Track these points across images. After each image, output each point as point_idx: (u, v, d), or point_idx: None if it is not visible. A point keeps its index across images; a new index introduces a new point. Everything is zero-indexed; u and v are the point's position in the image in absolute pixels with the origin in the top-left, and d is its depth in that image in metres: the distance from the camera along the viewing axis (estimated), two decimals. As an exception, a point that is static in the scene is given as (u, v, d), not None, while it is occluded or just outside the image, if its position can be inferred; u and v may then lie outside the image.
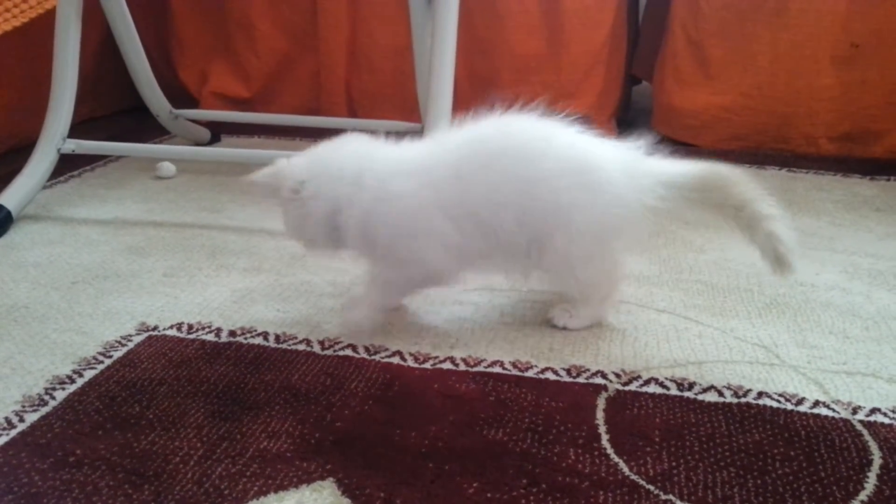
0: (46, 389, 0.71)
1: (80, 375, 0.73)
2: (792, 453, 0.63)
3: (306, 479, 0.59)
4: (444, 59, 1.17)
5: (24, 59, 1.49)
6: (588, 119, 1.74)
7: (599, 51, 1.74)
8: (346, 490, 0.58)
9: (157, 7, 1.86)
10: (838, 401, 0.71)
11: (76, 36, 1.20)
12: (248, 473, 0.60)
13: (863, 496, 0.58)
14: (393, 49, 1.75)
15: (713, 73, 1.66)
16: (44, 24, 1.40)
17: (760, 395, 0.72)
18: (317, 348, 0.79)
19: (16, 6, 1.46)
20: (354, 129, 1.69)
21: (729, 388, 0.73)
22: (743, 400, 0.71)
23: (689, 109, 1.68)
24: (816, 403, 0.70)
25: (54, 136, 1.18)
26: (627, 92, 1.92)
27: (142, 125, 1.72)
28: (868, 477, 0.60)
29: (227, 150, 1.37)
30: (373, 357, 0.78)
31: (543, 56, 1.73)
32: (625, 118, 1.89)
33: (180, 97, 1.76)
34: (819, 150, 1.62)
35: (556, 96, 1.76)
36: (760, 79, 1.63)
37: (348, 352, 0.79)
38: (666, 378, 0.74)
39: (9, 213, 1.10)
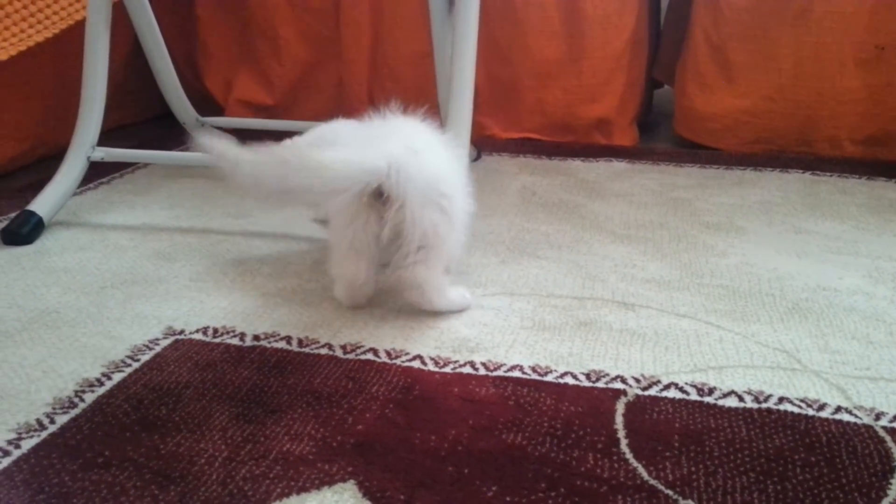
0: (76, 392, 0.73)
1: (109, 378, 0.75)
2: (813, 459, 0.63)
3: (328, 481, 0.60)
4: (464, 65, 1.18)
5: (53, 69, 1.53)
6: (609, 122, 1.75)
7: (620, 55, 1.74)
8: (366, 492, 0.59)
9: (184, 17, 1.90)
10: (861, 406, 0.70)
11: (105, 46, 1.23)
12: (271, 475, 0.61)
13: (885, 503, 0.58)
14: (415, 57, 1.77)
15: (735, 76, 1.65)
16: (72, 35, 1.44)
17: (781, 400, 0.72)
18: (339, 352, 0.80)
19: (47, 17, 1.50)
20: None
21: (749, 393, 0.73)
22: (763, 405, 0.71)
23: (712, 113, 1.67)
24: (838, 409, 0.70)
25: (84, 145, 1.21)
26: (649, 96, 1.91)
27: (168, 133, 1.76)
28: (891, 483, 0.60)
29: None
30: (393, 361, 0.79)
31: (564, 61, 1.73)
32: (646, 122, 1.89)
33: (206, 105, 1.79)
34: (843, 153, 1.61)
35: (577, 101, 1.77)
36: (783, 81, 1.62)
37: (369, 356, 0.80)
38: (686, 383, 0.74)
39: (40, 219, 1.13)
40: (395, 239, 0.82)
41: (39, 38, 1.45)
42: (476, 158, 1.58)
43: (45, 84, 1.53)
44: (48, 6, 1.50)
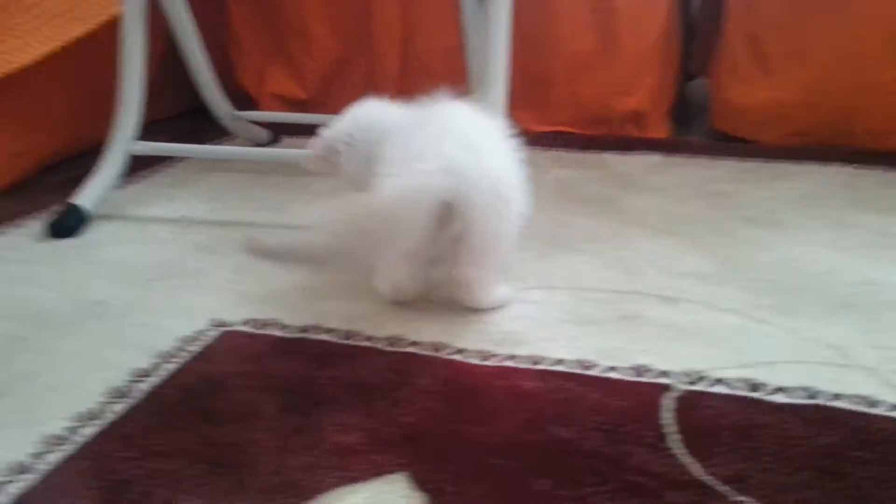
0: (129, 382, 0.74)
1: (160, 369, 0.76)
2: (869, 457, 0.62)
3: (379, 472, 0.61)
4: (497, 58, 1.18)
5: (87, 64, 1.54)
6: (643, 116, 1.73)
7: (653, 47, 1.72)
8: (418, 484, 0.59)
9: (216, 11, 1.91)
10: (915, 404, 0.69)
11: (142, 39, 1.24)
12: (322, 465, 0.61)
13: (945, 502, 0.57)
14: (447, 50, 1.76)
15: (772, 67, 1.63)
16: (105, 29, 1.46)
17: (833, 396, 0.71)
18: (382, 345, 0.81)
19: (84, 11, 1.52)
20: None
21: (800, 389, 0.72)
22: (815, 402, 0.70)
23: (748, 105, 1.65)
24: (894, 406, 0.69)
25: (124, 138, 1.22)
26: (682, 88, 1.89)
27: (200, 127, 1.77)
28: (950, 482, 0.59)
29: (288, 151, 1.40)
30: (437, 354, 0.79)
31: (597, 54, 1.72)
32: (680, 115, 1.87)
33: (239, 99, 1.80)
34: (884, 146, 1.57)
35: (611, 94, 1.76)
36: (821, 73, 1.59)
37: (413, 349, 0.80)
38: (734, 378, 0.74)
39: (85, 212, 1.15)
40: (452, 242, 0.81)
41: (77, 33, 1.47)
42: (272, 142, 1.60)
43: (80, 79, 1.55)
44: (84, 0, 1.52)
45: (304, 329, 0.84)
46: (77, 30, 1.47)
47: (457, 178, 0.77)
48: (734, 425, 0.66)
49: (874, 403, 0.69)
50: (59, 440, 0.65)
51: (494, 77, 1.16)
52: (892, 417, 0.67)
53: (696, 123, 1.88)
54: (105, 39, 1.44)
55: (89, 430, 0.67)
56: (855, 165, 1.47)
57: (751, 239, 1.10)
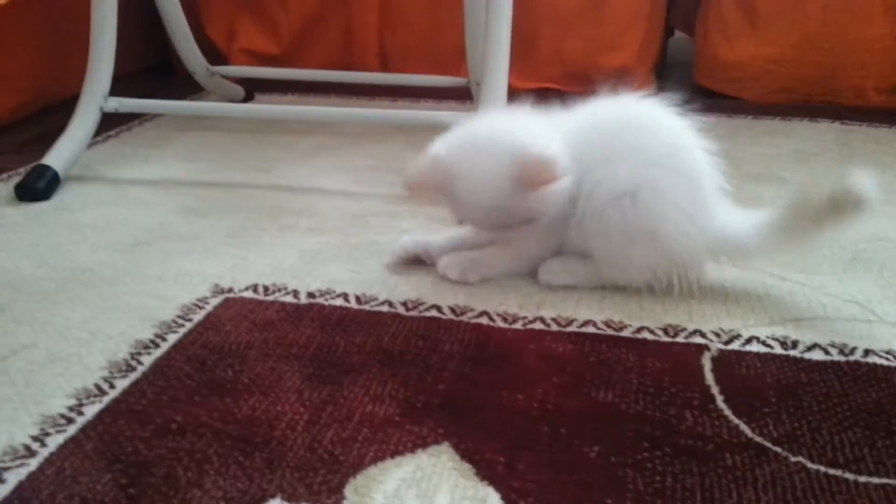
0: (132, 354, 0.69)
1: (164, 339, 0.71)
2: (916, 412, 0.61)
3: (421, 443, 0.57)
4: (500, 12, 1.12)
5: (47, 19, 1.43)
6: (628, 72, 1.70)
7: (641, 2, 1.68)
8: (464, 455, 0.56)
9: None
10: (948, 358, 0.69)
11: (114, -9, 1.15)
12: (359, 438, 0.58)
13: None
14: (428, 2, 1.69)
15: (760, 23, 1.61)
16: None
17: (867, 352, 0.70)
18: (400, 309, 0.77)
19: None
20: (390, 85, 1.64)
21: (834, 345, 0.71)
22: (851, 358, 0.69)
23: (735, 61, 1.63)
24: (927, 361, 0.68)
25: (96, 95, 1.13)
26: (664, 44, 1.86)
27: (165, 83, 1.68)
28: None
29: (278, 108, 1.32)
30: (460, 318, 0.75)
31: (584, 9, 1.68)
32: (660, 71, 1.84)
33: (208, 55, 1.70)
34: (868, 103, 1.58)
35: (598, 49, 1.72)
36: (809, 29, 1.58)
37: (433, 313, 0.76)
38: (767, 336, 0.72)
39: (56, 173, 1.06)
40: None
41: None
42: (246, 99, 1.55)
43: (45, 32, 1.44)
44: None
45: (315, 294, 0.79)
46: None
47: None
48: (777, 384, 0.65)
49: (909, 358, 0.69)
50: (62, 420, 0.60)
51: (497, 32, 1.10)
52: (930, 372, 0.67)
53: (676, 80, 1.86)
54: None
55: (95, 408, 0.61)
56: (842, 122, 1.47)
57: (756, 195, 1.08)
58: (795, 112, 1.52)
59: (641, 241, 0.76)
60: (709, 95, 1.67)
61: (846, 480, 0.54)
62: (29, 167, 1.08)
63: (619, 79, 1.74)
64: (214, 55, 1.77)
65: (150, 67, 1.84)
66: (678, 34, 1.96)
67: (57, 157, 1.08)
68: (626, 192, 0.76)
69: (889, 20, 1.54)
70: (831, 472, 0.55)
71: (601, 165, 0.77)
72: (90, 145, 1.25)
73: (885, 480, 0.54)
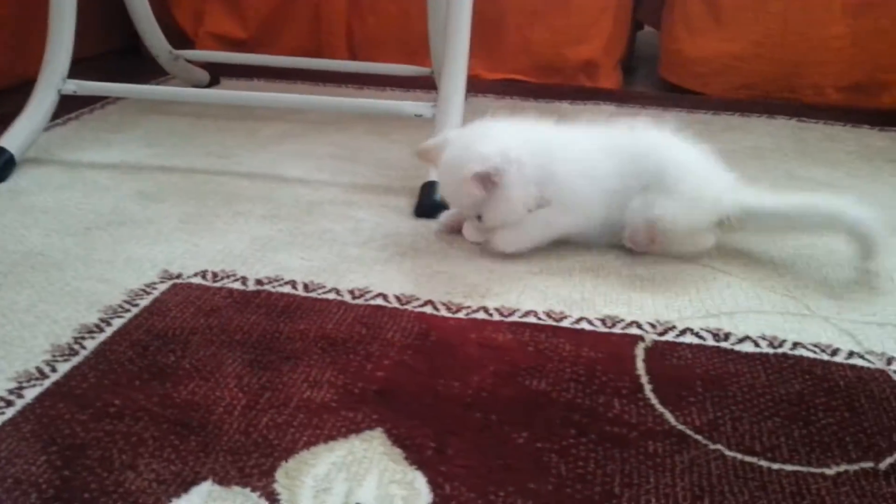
0: (75, 339, 0.69)
1: (108, 324, 0.72)
2: (834, 404, 0.64)
3: (354, 429, 0.59)
4: (460, 2, 1.13)
5: (9, -3, 1.42)
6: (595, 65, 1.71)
7: (608, -5, 1.70)
8: (395, 440, 0.58)
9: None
10: (872, 351, 0.72)
11: (72, -28, 1.14)
12: (294, 423, 0.59)
13: (905, 445, 0.59)
14: (397, -12, 1.70)
15: (724, 19, 1.63)
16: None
17: (796, 345, 0.72)
18: (347, 297, 0.78)
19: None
20: (356, 72, 1.64)
21: (764, 338, 0.73)
22: (779, 350, 0.71)
23: (699, 57, 1.66)
24: (851, 354, 0.71)
25: (54, 76, 1.13)
26: (632, 38, 1.88)
27: (131, 66, 1.66)
28: (908, 426, 0.61)
29: (240, 94, 1.31)
30: (405, 307, 0.77)
31: (551, 0, 1.69)
32: (628, 65, 1.86)
33: (174, 38, 1.69)
34: (826, 100, 1.61)
35: (564, 41, 1.73)
36: (772, 26, 1.60)
37: (379, 301, 0.77)
38: (701, 328, 0.75)
39: (11, 156, 1.06)
40: None
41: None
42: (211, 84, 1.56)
43: (6, 12, 1.42)
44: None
45: (263, 281, 0.80)
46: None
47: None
48: (705, 374, 0.67)
49: (834, 352, 0.71)
50: (1, 402, 0.60)
51: (457, 21, 1.11)
52: (852, 365, 0.69)
53: (642, 74, 1.88)
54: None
55: (35, 391, 0.62)
56: (799, 119, 1.50)
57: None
58: (754, 108, 1.55)
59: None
60: (673, 90, 1.69)
61: (760, 467, 0.56)
62: (-16, 149, 1.07)
63: (586, 71, 1.77)
64: (181, 38, 1.76)
65: (118, 50, 1.82)
66: (647, 28, 1.98)
67: (13, 140, 1.07)
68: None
69: (847, 20, 1.57)
70: (747, 459, 0.57)
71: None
72: (49, 128, 1.24)
73: (797, 468, 0.57)
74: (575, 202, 0.88)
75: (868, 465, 0.57)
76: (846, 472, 0.56)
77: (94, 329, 0.71)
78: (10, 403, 0.60)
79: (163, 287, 0.78)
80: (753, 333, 0.74)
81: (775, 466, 0.57)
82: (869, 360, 0.70)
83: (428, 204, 0.98)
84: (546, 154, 0.88)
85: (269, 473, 0.54)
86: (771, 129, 1.43)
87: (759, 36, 1.61)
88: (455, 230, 0.94)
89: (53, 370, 0.65)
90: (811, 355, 0.71)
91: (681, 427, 0.60)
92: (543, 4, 1.68)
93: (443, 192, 0.93)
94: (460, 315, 0.76)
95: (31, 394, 0.62)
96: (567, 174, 0.87)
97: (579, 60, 1.71)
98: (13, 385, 0.63)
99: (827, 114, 1.53)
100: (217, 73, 1.61)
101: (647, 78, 1.84)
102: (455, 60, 1.11)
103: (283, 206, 1.00)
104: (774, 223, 0.91)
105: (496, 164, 0.83)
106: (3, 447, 0.56)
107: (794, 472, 0.56)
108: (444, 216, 0.95)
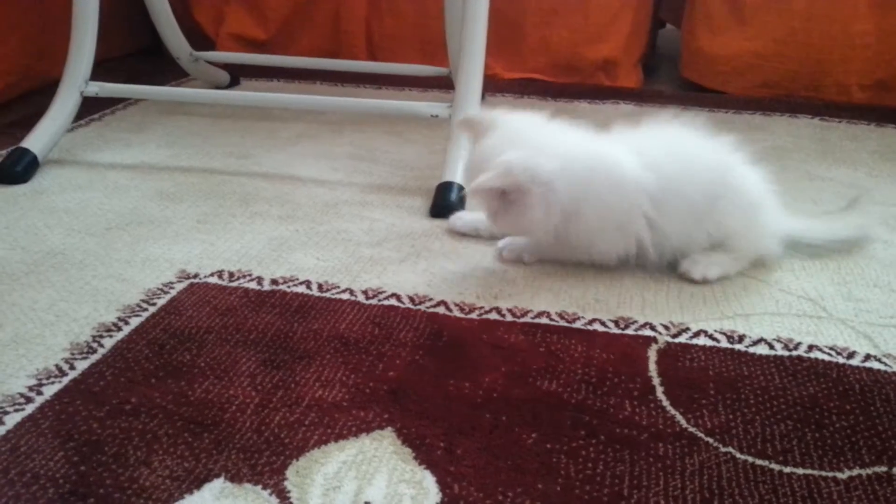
0: (94, 337, 0.71)
1: (126, 323, 0.73)
2: (848, 407, 0.63)
3: (365, 428, 0.59)
4: (477, 2, 1.13)
5: (34, 1, 1.44)
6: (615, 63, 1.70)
7: (627, -7, 1.69)
8: (405, 440, 0.58)
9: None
10: (889, 354, 0.71)
11: (95, -26, 1.16)
12: (306, 422, 0.60)
13: (921, 450, 0.58)
14: (416, -11, 1.70)
15: (746, 17, 1.61)
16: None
17: (811, 348, 0.71)
18: (360, 298, 0.78)
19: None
20: (375, 73, 1.65)
21: (779, 340, 0.72)
22: (794, 353, 0.70)
23: (721, 55, 1.64)
24: (868, 357, 0.70)
25: (77, 79, 1.15)
26: (653, 36, 1.87)
27: (153, 68, 1.69)
28: (925, 431, 0.60)
29: (259, 95, 1.32)
30: (418, 307, 0.77)
31: (570, -1, 1.68)
32: (649, 64, 1.85)
33: (195, 39, 1.71)
34: (850, 99, 1.59)
35: (583, 40, 1.72)
36: (795, 24, 1.58)
37: (392, 301, 0.78)
38: (715, 330, 0.74)
39: (35, 157, 1.08)
40: None
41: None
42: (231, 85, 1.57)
43: (25, 16, 1.45)
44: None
45: (278, 281, 0.81)
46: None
47: None
48: (718, 377, 0.67)
49: (851, 355, 0.70)
50: (21, 399, 0.62)
51: (473, 21, 1.10)
52: (868, 368, 0.68)
53: (665, 72, 1.87)
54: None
55: (54, 389, 0.63)
56: (822, 118, 1.48)
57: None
58: (776, 107, 1.53)
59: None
60: (694, 89, 1.68)
61: (771, 471, 0.56)
62: (9, 150, 1.10)
63: (605, 70, 1.76)
64: (202, 39, 1.79)
65: (140, 51, 1.85)
66: (669, 27, 1.97)
67: (36, 141, 1.09)
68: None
69: (874, 17, 1.54)
70: (758, 462, 0.57)
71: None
72: (72, 129, 1.27)
73: (808, 471, 0.56)
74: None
75: (882, 469, 0.56)
76: (859, 476, 0.56)
77: (112, 328, 0.72)
78: (29, 400, 0.62)
79: (180, 287, 0.80)
80: (768, 336, 0.73)
81: (787, 470, 0.56)
82: (886, 364, 0.69)
83: (443, 204, 0.99)
84: (584, 185, 0.80)
85: (280, 471, 0.55)
86: (793, 129, 1.41)
87: (782, 34, 1.59)
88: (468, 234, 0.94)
89: (72, 368, 0.66)
90: (827, 358, 0.70)
91: (692, 429, 0.60)
92: (562, 3, 1.68)
93: (466, 174, 0.91)
94: (473, 316, 0.76)
95: (49, 391, 0.63)
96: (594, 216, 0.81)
97: (598, 59, 1.70)
98: (33, 382, 0.64)
99: (850, 112, 1.51)
100: (237, 74, 1.63)
101: (669, 77, 1.83)
102: (471, 61, 1.11)
103: (299, 206, 1.01)
104: (822, 247, 0.90)
105: (518, 182, 0.77)
106: (23, 443, 0.57)
107: (806, 476, 0.55)
108: (458, 223, 0.94)
